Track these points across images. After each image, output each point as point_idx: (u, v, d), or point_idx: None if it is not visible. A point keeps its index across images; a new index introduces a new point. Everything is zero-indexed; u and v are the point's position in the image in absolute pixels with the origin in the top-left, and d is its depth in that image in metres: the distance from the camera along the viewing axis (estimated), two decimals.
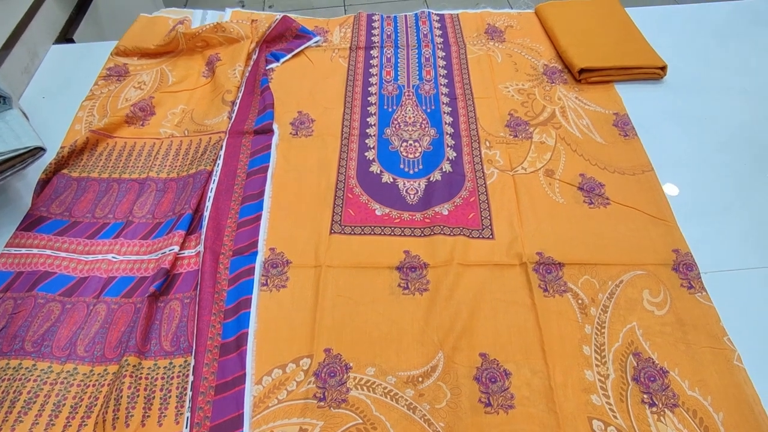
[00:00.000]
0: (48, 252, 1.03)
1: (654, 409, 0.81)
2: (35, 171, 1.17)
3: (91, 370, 0.87)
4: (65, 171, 1.19)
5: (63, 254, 1.03)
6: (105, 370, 0.87)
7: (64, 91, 1.43)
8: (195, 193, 1.11)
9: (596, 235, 1.03)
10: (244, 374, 0.85)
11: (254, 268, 0.99)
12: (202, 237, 1.03)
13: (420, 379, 0.85)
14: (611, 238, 1.03)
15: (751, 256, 1.01)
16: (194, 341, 0.88)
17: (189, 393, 0.83)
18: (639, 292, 0.95)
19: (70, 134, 1.30)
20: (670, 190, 1.12)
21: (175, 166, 1.21)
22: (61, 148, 1.21)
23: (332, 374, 0.85)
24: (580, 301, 0.94)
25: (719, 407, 0.81)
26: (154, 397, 0.83)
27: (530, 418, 0.80)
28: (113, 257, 1.03)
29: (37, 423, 0.80)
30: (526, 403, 0.82)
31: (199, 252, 1.01)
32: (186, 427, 0.79)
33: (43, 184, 1.17)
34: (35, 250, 1.03)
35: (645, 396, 0.83)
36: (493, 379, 0.84)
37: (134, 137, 1.29)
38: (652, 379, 0.84)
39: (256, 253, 1.01)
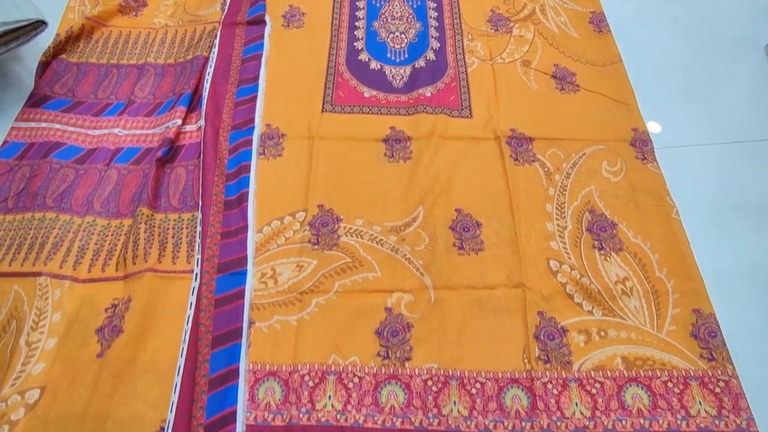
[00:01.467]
0: (57, 126, 1.10)
1: (602, 252, 0.95)
2: (33, 56, 1.21)
3: (108, 223, 0.97)
4: (64, 56, 1.24)
5: (71, 128, 1.11)
6: (121, 223, 0.97)
7: None
8: (193, 75, 1.18)
9: (565, 115, 1.14)
10: (246, 225, 0.95)
11: (252, 139, 1.08)
12: (203, 113, 1.11)
13: (402, 228, 0.97)
14: (578, 119, 1.13)
15: (700, 134, 1.12)
16: (200, 199, 0.98)
17: (198, 240, 0.94)
18: (599, 163, 1.06)
19: (64, 22, 1.33)
20: (635, 78, 1.21)
21: (172, 53, 1.26)
22: (57, 34, 1.25)
23: (325, 224, 0.97)
24: (546, 169, 1.05)
25: (656, 250, 0.95)
26: (167, 242, 0.94)
27: (496, 259, 0.93)
28: (119, 131, 1.11)
29: (66, 261, 0.91)
30: (494, 247, 0.95)
31: (200, 126, 1.09)
32: (197, 266, 0.91)
33: (44, 66, 1.21)
34: (44, 124, 1.10)
35: (596, 242, 0.96)
36: (466, 229, 0.97)
37: (129, 26, 1.32)
38: (603, 229, 0.97)
39: (253, 128, 1.09)
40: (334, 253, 0.93)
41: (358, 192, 1.01)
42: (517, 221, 0.98)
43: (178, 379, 0.79)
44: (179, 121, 1.08)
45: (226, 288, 0.88)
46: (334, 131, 1.10)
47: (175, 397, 0.78)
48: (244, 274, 0.89)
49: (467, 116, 1.13)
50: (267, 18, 1.32)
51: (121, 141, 1.09)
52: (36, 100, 1.15)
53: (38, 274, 0.88)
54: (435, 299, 0.88)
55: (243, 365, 0.81)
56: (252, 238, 0.94)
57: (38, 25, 1.11)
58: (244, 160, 1.04)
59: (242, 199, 0.99)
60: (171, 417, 0.76)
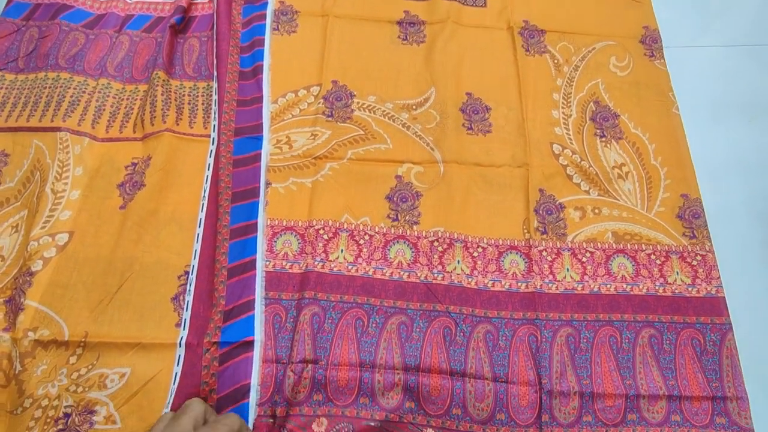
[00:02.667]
0: None
1: (603, 139, 0.99)
2: None
3: (123, 87, 0.98)
4: None
5: None
6: (136, 88, 0.98)
7: None
8: None
9: (578, 9, 1.14)
10: (261, 95, 0.97)
11: (266, 14, 1.07)
12: None
13: (414, 107, 0.99)
14: (591, 13, 1.14)
15: (711, 35, 1.14)
16: (215, 69, 0.99)
17: (215, 107, 0.95)
18: (607, 58, 1.09)
19: None
20: None
21: None
22: None
23: (339, 98, 0.99)
24: (555, 61, 1.07)
25: (654, 140, 1.00)
26: (183, 107, 0.96)
27: (503, 141, 0.98)
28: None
29: (84, 119, 0.93)
30: (501, 130, 0.99)
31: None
32: (214, 131, 0.93)
33: None
34: None
35: (597, 131, 1.00)
36: (475, 111, 1.00)
37: None
38: (605, 119, 1.01)
39: (266, 4, 1.08)
40: (347, 125, 0.96)
41: (371, 70, 1.02)
42: (524, 106, 1.01)
43: (199, 231, 0.84)
44: None
45: (243, 150, 0.91)
46: (348, 10, 1.09)
47: (198, 246, 0.83)
48: (260, 139, 0.92)
49: (481, 5, 1.13)
50: None
51: (131, 8, 1.07)
52: None
53: (57, 129, 0.90)
54: (444, 171, 0.93)
55: (261, 220, 0.85)
56: (267, 107, 0.96)
57: None
58: (257, 33, 1.04)
59: (257, 71, 0.99)
60: (195, 262, 0.82)
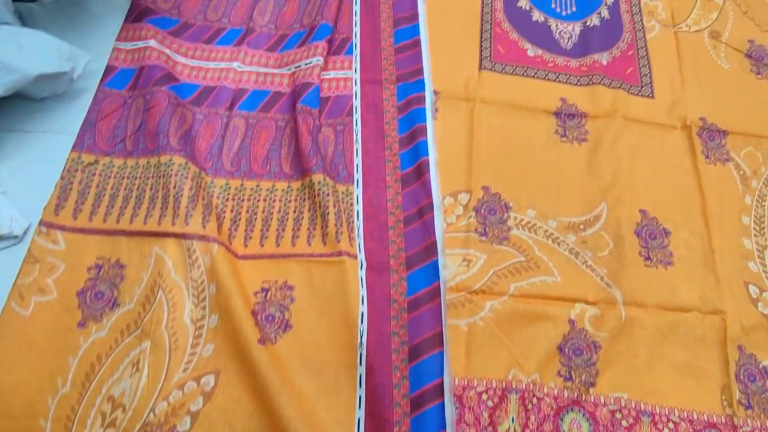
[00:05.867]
0: (167, 51, 0.92)
1: None
2: None
3: (242, 185, 0.81)
4: None
5: (182, 59, 0.93)
6: (257, 185, 0.82)
7: None
8: (326, 3, 0.99)
9: (763, 106, 0.97)
10: (431, 202, 0.80)
11: (424, 96, 0.90)
12: (357, 59, 0.93)
13: (582, 226, 0.83)
14: None
15: None
16: (356, 172, 0.83)
17: (358, 222, 0.79)
18: None
19: None
20: None
21: None
22: None
23: (492, 212, 0.83)
24: (741, 172, 0.90)
25: None
26: (328, 218, 0.79)
27: (688, 276, 0.81)
28: (238, 66, 0.94)
29: (209, 220, 0.76)
30: (684, 261, 0.82)
31: (351, 77, 0.92)
32: (360, 252, 0.77)
33: None
34: (152, 42, 0.92)
35: None
36: (652, 236, 0.83)
37: None
38: None
39: (422, 81, 0.92)
40: (505, 249, 0.80)
41: (528, 175, 0.86)
42: (710, 232, 0.84)
43: (361, 392, 0.67)
44: (318, 61, 0.91)
45: (418, 287, 0.75)
46: (496, 95, 0.93)
47: (360, 414, 0.67)
48: (436, 265, 0.76)
49: (648, 95, 0.96)
50: None
51: (244, 80, 0.92)
52: (137, 14, 0.97)
53: (182, 236, 0.74)
54: (625, 316, 0.77)
55: (448, 380, 0.69)
56: (440, 217, 0.80)
57: None
58: (418, 120, 0.88)
59: (422, 169, 0.83)
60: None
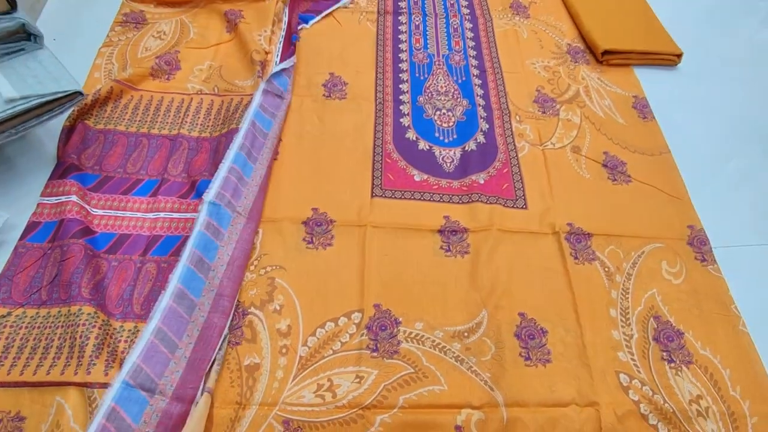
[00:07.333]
0: (86, 207, 1.01)
1: (672, 365, 0.91)
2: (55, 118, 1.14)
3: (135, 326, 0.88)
4: (90, 123, 1.16)
5: (99, 212, 1.02)
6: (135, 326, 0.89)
7: (76, 34, 1.37)
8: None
9: (619, 209, 1.11)
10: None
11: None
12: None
13: (466, 334, 0.91)
14: (633, 213, 1.11)
15: (758, 234, 1.11)
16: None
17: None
18: (658, 263, 1.04)
19: (89, 81, 1.26)
20: (684, 170, 1.20)
21: (207, 126, 1.20)
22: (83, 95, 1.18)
23: (383, 328, 0.91)
24: (606, 269, 1.02)
25: (727, 365, 0.92)
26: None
27: (565, 372, 0.89)
28: (153, 215, 1.03)
29: (111, 366, 0.81)
30: (561, 358, 0.90)
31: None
32: None
33: (68, 132, 1.13)
34: (73, 197, 1.01)
35: (664, 354, 0.92)
36: (531, 336, 0.92)
37: (160, 91, 1.26)
38: (670, 339, 0.94)
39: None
40: (395, 362, 0.87)
41: (416, 290, 0.96)
42: (583, 328, 0.94)
43: None
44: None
45: None
46: (387, 219, 1.05)
47: None
48: None
49: (522, 206, 1.10)
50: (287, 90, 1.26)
51: (158, 227, 1.02)
52: (63, 171, 1.07)
53: (83, 384, 0.79)
54: (508, 418, 0.83)
55: None
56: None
57: (74, 96, 1.04)
58: None
59: None
60: None
